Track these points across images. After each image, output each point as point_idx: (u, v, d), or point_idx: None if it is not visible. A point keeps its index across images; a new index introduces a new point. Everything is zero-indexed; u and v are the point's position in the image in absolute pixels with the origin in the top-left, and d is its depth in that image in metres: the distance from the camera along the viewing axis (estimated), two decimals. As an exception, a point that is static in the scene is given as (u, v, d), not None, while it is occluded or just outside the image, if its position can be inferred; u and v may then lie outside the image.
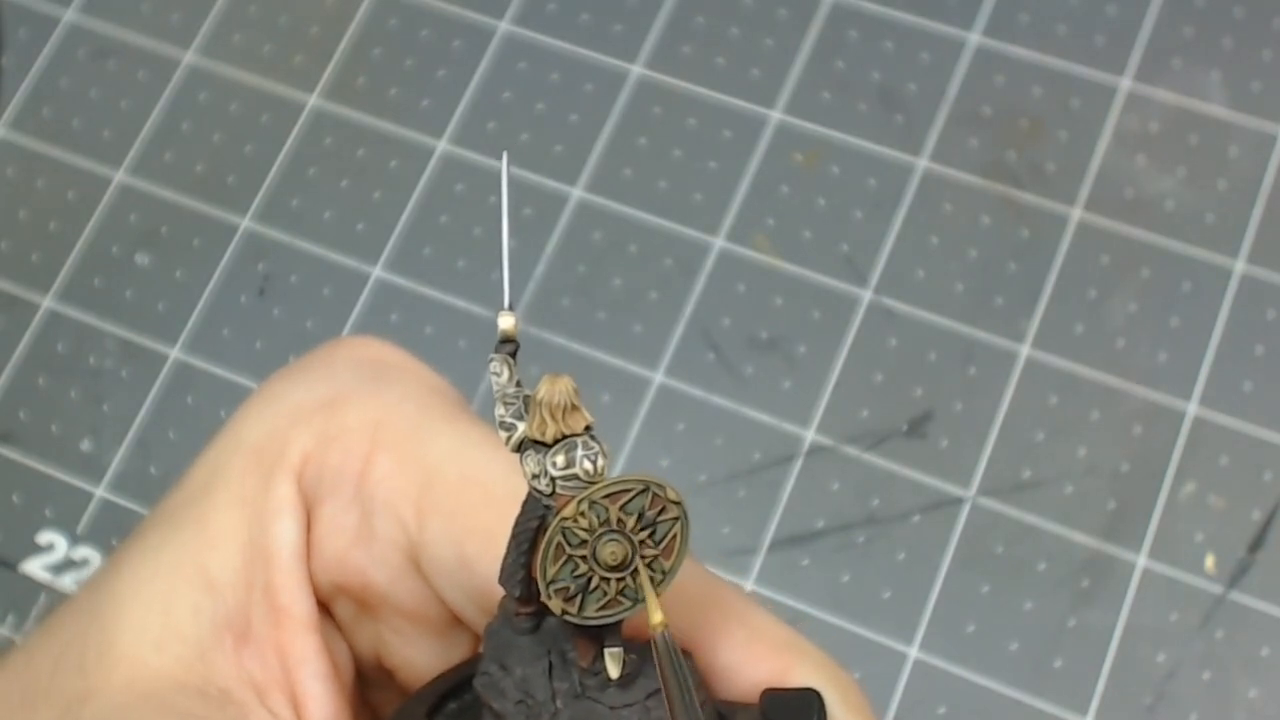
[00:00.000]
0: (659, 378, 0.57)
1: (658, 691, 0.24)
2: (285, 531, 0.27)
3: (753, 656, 0.26)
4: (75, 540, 0.57)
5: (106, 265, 0.62)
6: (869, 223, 0.59)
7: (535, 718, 0.24)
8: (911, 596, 0.54)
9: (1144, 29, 0.61)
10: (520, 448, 0.23)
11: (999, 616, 0.53)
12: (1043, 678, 0.52)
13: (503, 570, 0.24)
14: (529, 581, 0.24)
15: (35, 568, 0.57)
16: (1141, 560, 0.54)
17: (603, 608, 0.23)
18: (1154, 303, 0.57)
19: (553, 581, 0.23)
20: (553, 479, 0.23)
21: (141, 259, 0.62)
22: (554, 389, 0.23)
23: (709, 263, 0.59)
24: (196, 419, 0.59)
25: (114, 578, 0.27)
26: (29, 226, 0.63)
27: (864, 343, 0.57)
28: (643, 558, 0.23)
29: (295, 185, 0.62)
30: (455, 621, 0.28)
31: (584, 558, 0.23)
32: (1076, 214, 0.58)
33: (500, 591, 0.25)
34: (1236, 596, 0.53)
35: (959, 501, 0.55)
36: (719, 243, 0.59)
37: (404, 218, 0.61)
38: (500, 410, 0.24)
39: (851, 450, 0.56)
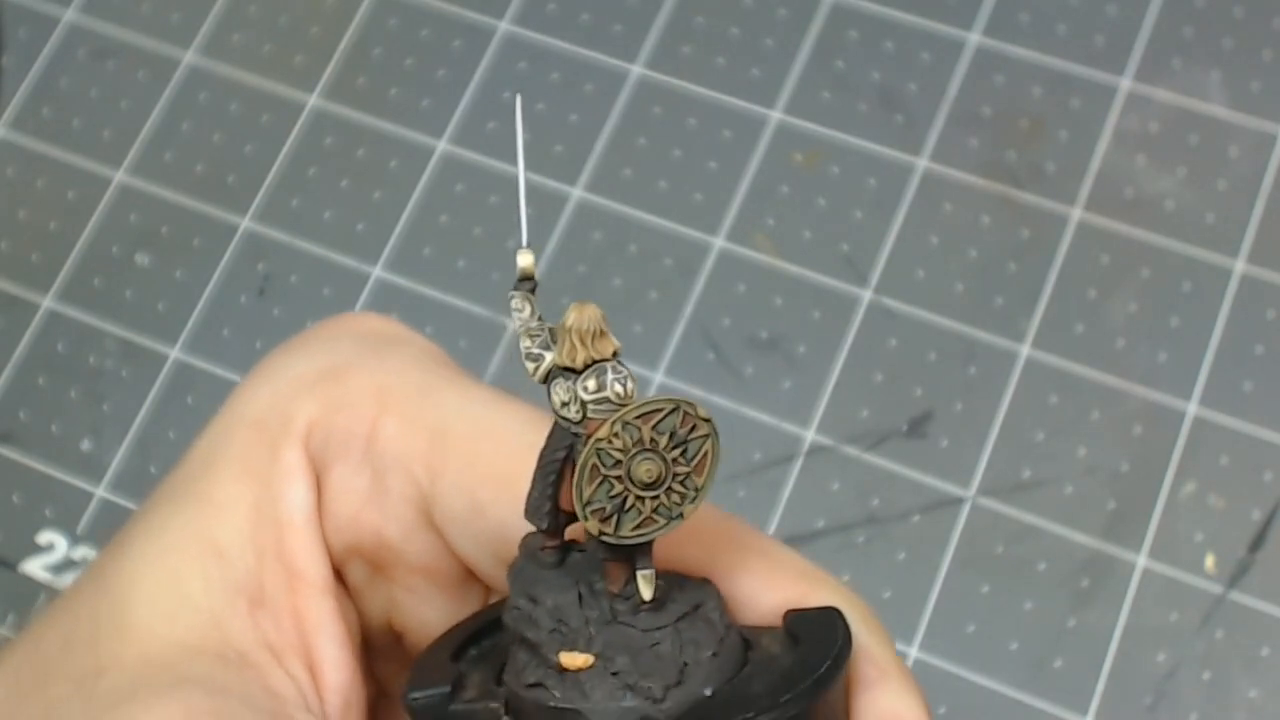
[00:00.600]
0: (659, 378, 0.57)
1: (689, 614, 0.25)
2: (296, 496, 0.27)
3: (772, 584, 0.26)
4: (75, 540, 0.57)
5: (106, 265, 0.62)
6: (869, 223, 0.59)
7: (570, 644, 0.24)
8: (911, 596, 0.54)
9: (1144, 29, 0.61)
10: (548, 377, 0.24)
11: (999, 616, 0.53)
12: (1043, 678, 0.52)
13: (528, 504, 0.25)
14: (556, 513, 0.25)
15: (35, 568, 0.57)
16: (1141, 560, 0.54)
17: (638, 526, 0.23)
18: (1154, 303, 0.57)
19: (589, 503, 0.23)
20: (583, 404, 0.23)
21: (141, 259, 0.62)
22: (583, 315, 0.23)
23: (709, 263, 0.59)
24: (196, 419, 0.59)
25: (120, 556, 0.27)
26: (29, 226, 0.63)
27: (864, 343, 0.57)
28: (675, 475, 0.23)
29: (295, 185, 0.62)
30: (467, 576, 0.28)
31: (619, 478, 0.23)
32: (1076, 214, 0.58)
33: (517, 535, 0.26)
34: (1236, 596, 0.53)
35: (959, 501, 0.55)
36: (719, 243, 0.59)
37: (404, 218, 0.61)
38: (526, 343, 0.24)
39: (851, 450, 0.56)
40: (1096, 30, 0.61)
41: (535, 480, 0.25)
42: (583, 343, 0.23)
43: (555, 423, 0.24)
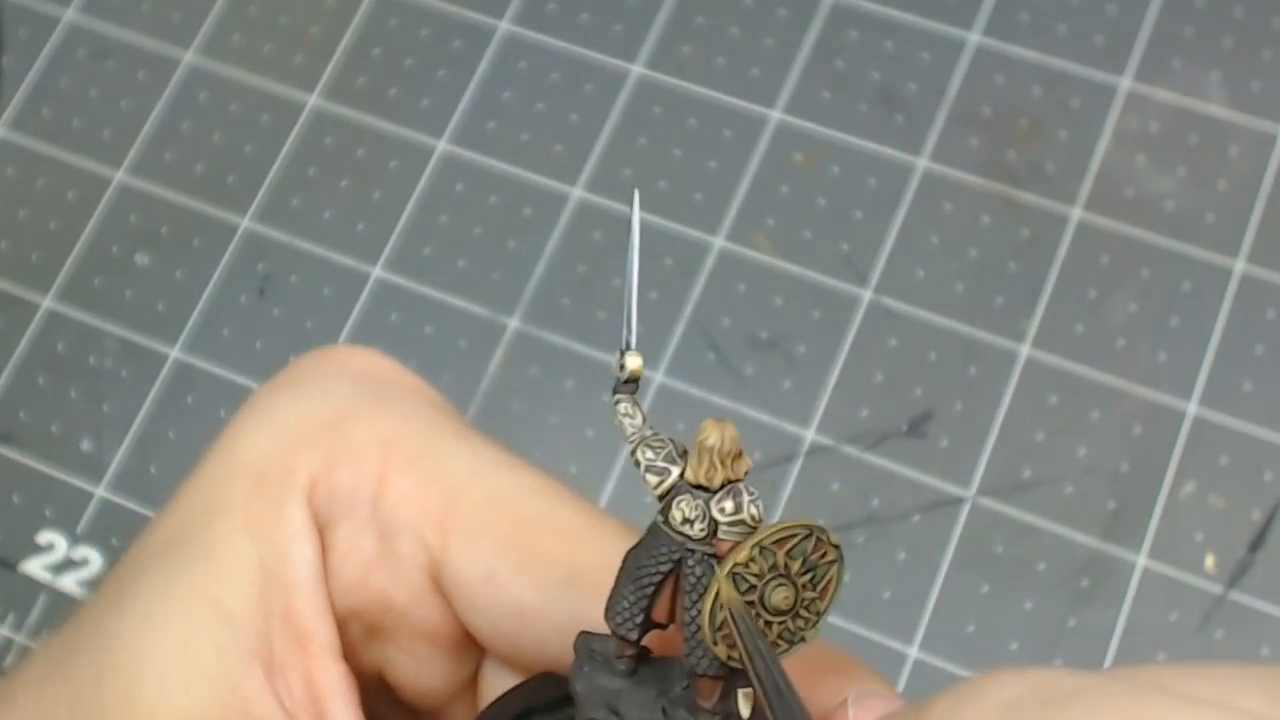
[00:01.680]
0: (659, 377, 0.57)
1: None
2: (303, 556, 0.26)
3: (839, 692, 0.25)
4: (75, 540, 0.57)
5: (106, 265, 0.62)
6: (869, 223, 0.59)
7: None
8: (911, 596, 0.54)
9: (1144, 29, 0.61)
10: (669, 492, 0.23)
11: (999, 616, 0.53)
12: (1043, 678, 0.52)
13: (614, 611, 0.24)
14: (647, 624, 0.24)
15: (35, 568, 0.57)
16: (1141, 560, 0.54)
17: None
18: (1154, 303, 0.57)
19: (720, 628, 0.23)
20: (715, 523, 0.23)
21: (141, 259, 0.62)
22: (724, 435, 0.23)
23: (709, 263, 0.59)
24: (196, 419, 0.59)
25: (121, 614, 0.26)
26: (29, 226, 0.63)
27: (864, 343, 0.57)
28: (802, 600, 0.23)
29: (295, 185, 0.62)
30: (467, 639, 0.28)
31: (751, 603, 0.23)
32: (1076, 214, 0.58)
33: (532, 610, 0.25)
34: (1236, 596, 0.53)
35: (959, 501, 0.55)
36: (719, 242, 0.59)
37: (404, 218, 0.61)
38: (649, 454, 0.24)
39: (851, 450, 0.56)
40: (1096, 30, 0.61)
41: (625, 589, 0.24)
42: (723, 464, 0.23)
43: (654, 531, 0.24)
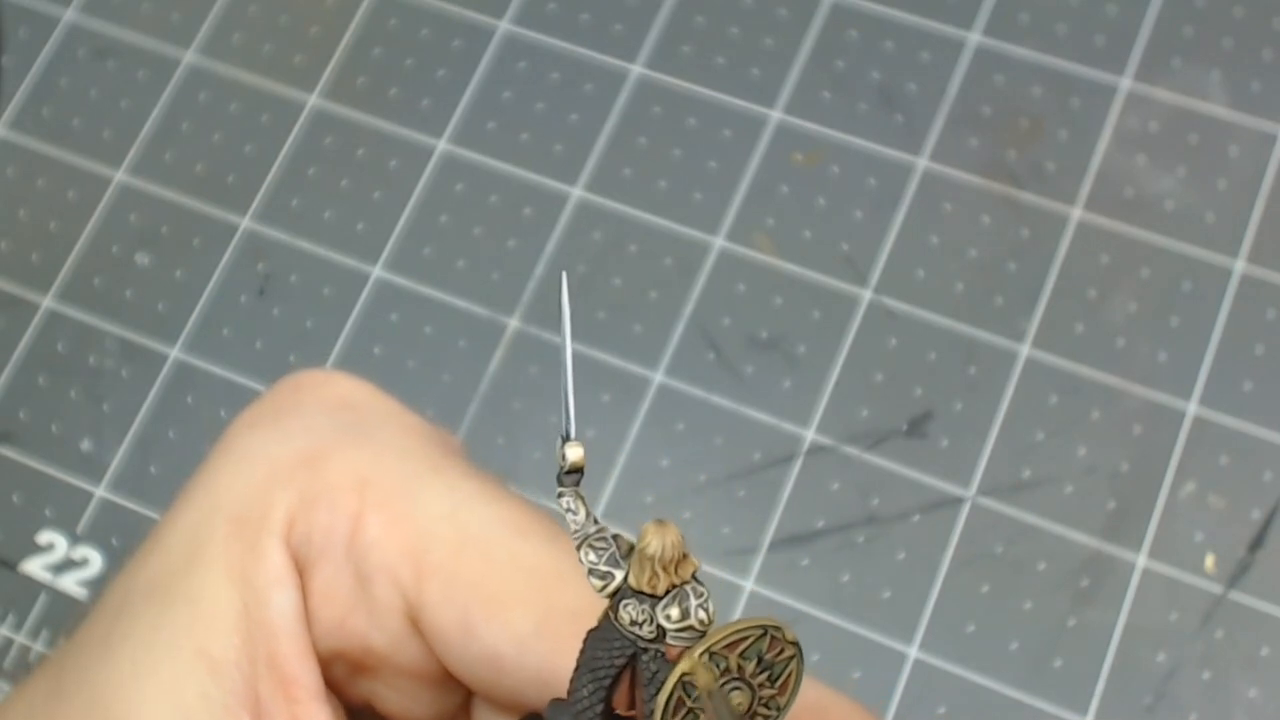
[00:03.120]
0: (659, 378, 0.57)
1: None
2: (284, 602, 0.26)
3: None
4: (75, 540, 0.57)
5: (106, 265, 0.62)
6: (869, 223, 0.59)
7: None
8: (911, 596, 0.54)
9: (1144, 29, 0.61)
10: (616, 594, 0.23)
11: (999, 616, 0.53)
12: (1043, 678, 0.52)
13: (576, 700, 0.24)
14: (609, 714, 0.24)
15: (35, 568, 0.57)
16: (1141, 560, 0.54)
17: None
18: (1154, 303, 0.57)
19: None
20: (662, 630, 0.23)
21: (141, 259, 0.62)
22: (665, 542, 0.22)
23: (709, 263, 0.59)
24: (196, 419, 0.59)
25: (108, 663, 0.26)
26: (29, 226, 0.63)
27: (864, 343, 0.57)
28: (759, 699, 0.23)
29: (295, 185, 0.62)
30: (451, 675, 0.28)
31: (703, 709, 0.22)
32: (1076, 214, 0.58)
33: (508, 658, 0.25)
34: (1236, 596, 0.53)
35: (959, 501, 0.55)
36: (719, 242, 0.59)
37: (404, 218, 0.61)
38: (591, 557, 0.23)
39: (851, 450, 0.56)
40: (1096, 30, 0.61)
41: (584, 679, 0.24)
42: (665, 570, 0.22)
43: (606, 621, 0.23)
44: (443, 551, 0.27)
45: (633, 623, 0.23)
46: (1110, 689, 0.52)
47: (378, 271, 0.60)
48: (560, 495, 0.24)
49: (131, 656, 0.26)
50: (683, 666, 0.22)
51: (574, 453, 0.24)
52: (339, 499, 0.27)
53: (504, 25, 0.64)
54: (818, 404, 0.57)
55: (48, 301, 0.61)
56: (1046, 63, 0.61)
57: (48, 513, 0.58)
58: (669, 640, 0.23)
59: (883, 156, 0.60)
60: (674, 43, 0.62)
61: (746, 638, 0.22)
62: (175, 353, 0.60)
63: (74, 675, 0.27)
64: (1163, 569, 0.53)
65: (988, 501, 0.55)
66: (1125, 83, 0.60)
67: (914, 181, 0.59)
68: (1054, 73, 0.60)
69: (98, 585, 0.57)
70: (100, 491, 0.58)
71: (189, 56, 0.65)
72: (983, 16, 0.61)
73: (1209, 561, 0.53)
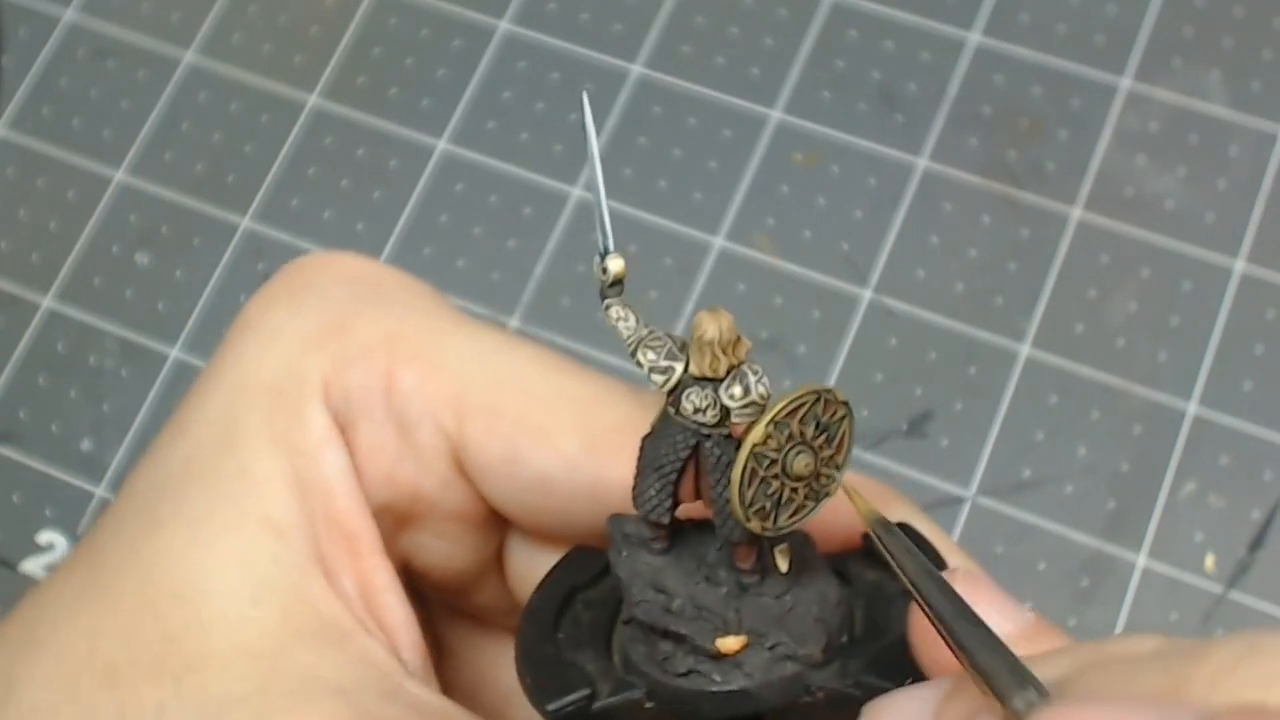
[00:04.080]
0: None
1: (805, 570, 0.25)
2: (335, 460, 0.27)
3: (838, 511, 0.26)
4: (75, 540, 0.57)
5: (106, 265, 0.62)
6: (869, 223, 0.59)
7: (719, 627, 0.25)
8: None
9: (1144, 29, 0.61)
10: (676, 387, 0.24)
11: (999, 616, 0.53)
12: (1043, 678, 0.52)
13: (644, 501, 0.25)
14: (675, 507, 0.25)
15: (35, 568, 0.57)
16: (1141, 560, 0.54)
17: (793, 515, 0.24)
18: (1154, 303, 0.57)
19: (751, 504, 0.23)
20: (726, 409, 0.24)
21: (141, 259, 0.62)
22: (721, 325, 0.23)
23: (709, 262, 0.59)
24: (196, 419, 0.59)
25: (159, 538, 0.26)
26: (29, 226, 0.63)
27: (864, 343, 0.57)
28: (821, 459, 0.24)
29: (295, 185, 0.62)
30: (493, 515, 0.28)
31: (775, 475, 0.23)
32: (1076, 213, 0.58)
33: (556, 484, 0.26)
34: (1236, 596, 0.53)
35: (959, 501, 0.55)
36: (719, 242, 0.59)
37: (404, 218, 0.61)
38: (650, 356, 0.24)
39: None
40: (1096, 30, 0.61)
41: (649, 478, 0.25)
42: (724, 352, 0.24)
43: (667, 419, 0.24)
44: (481, 391, 0.27)
45: (696, 410, 0.24)
46: (1110, 689, 0.52)
47: (378, 271, 0.60)
48: (608, 307, 0.25)
49: (190, 531, 0.26)
50: (753, 437, 0.23)
51: (615, 264, 0.25)
52: (371, 358, 0.27)
53: (504, 25, 0.64)
54: (818, 404, 0.57)
55: (48, 301, 0.61)
56: (1046, 63, 0.61)
57: (48, 513, 0.58)
58: (734, 419, 0.24)
59: (883, 156, 0.60)
60: (674, 43, 0.62)
61: (804, 403, 0.23)
62: (175, 353, 0.60)
63: (117, 558, 0.26)
64: (1163, 569, 0.53)
65: (988, 501, 0.55)
66: (1125, 83, 0.60)
67: (914, 181, 0.59)
68: (1054, 73, 0.60)
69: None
70: (100, 491, 0.58)
71: (189, 56, 0.65)
72: (983, 16, 0.61)
73: (1209, 561, 0.53)
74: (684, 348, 0.24)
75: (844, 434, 0.24)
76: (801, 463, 0.23)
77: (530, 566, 0.29)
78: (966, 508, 0.55)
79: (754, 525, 0.24)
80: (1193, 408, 0.55)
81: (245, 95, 0.64)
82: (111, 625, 0.25)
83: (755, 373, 0.24)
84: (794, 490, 0.24)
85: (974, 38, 0.61)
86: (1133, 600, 0.53)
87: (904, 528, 0.26)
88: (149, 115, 0.64)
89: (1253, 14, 0.60)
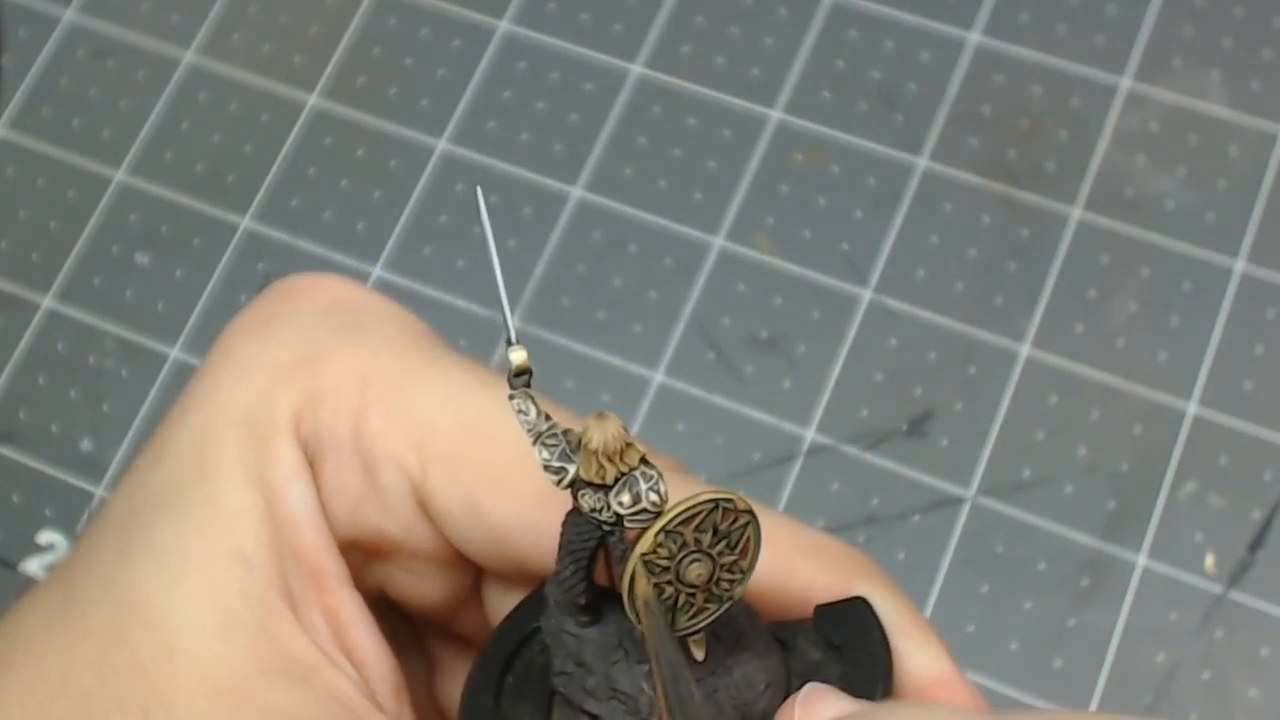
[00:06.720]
0: (659, 377, 0.57)
1: (733, 649, 0.25)
2: (303, 494, 0.27)
3: (790, 569, 0.26)
4: (75, 540, 0.57)
5: (106, 265, 0.62)
6: (869, 222, 0.59)
7: (630, 712, 0.24)
8: (912, 596, 0.54)
9: (1144, 29, 0.61)
10: (573, 485, 0.23)
11: (999, 616, 0.53)
12: (1043, 678, 0.52)
13: (560, 584, 0.25)
14: (591, 589, 0.25)
15: (35, 568, 0.57)
16: (1141, 560, 0.54)
17: (693, 617, 0.23)
18: (1154, 303, 0.57)
19: (638, 613, 0.23)
20: (620, 516, 0.23)
21: (141, 259, 0.62)
22: (606, 434, 0.23)
23: (709, 262, 0.59)
24: (196, 419, 0.59)
25: (130, 568, 0.26)
26: (29, 226, 0.63)
27: (864, 342, 0.57)
28: (721, 565, 0.23)
29: (295, 185, 0.62)
30: (462, 554, 0.28)
31: (669, 582, 0.23)
32: (1076, 213, 0.58)
33: (516, 535, 0.26)
34: (1236, 596, 0.53)
35: (959, 501, 0.55)
36: (719, 242, 0.59)
37: (404, 218, 0.61)
38: (544, 454, 0.24)
39: (851, 450, 0.56)
40: (1096, 30, 0.61)
41: (564, 564, 0.25)
42: (610, 461, 0.23)
43: (575, 509, 0.24)
44: (445, 439, 0.27)
45: (592, 510, 0.23)
46: (1110, 689, 0.52)
47: (378, 271, 0.60)
48: (511, 398, 0.24)
49: (159, 561, 0.26)
50: (641, 547, 0.23)
51: (517, 356, 0.24)
52: (341, 396, 0.27)
53: (504, 25, 0.64)
54: (818, 404, 0.57)
55: (48, 301, 0.61)
56: (1046, 63, 0.61)
57: (48, 513, 0.58)
58: (626, 524, 0.23)
59: (883, 156, 0.60)
60: (674, 43, 0.62)
61: (699, 512, 0.23)
62: (175, 353, 0.60)
63: (90, 584, 0.27)
64: (1163, 569, 0.53)
65: (988, 501, 0.55)
66: (1125, 83, 0.60)
67: (914, 181, 0.59)
68: (1054, 73, 0.60)
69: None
70: (100, 491, 0.58)
71: (189, 56, 0.65)
72: (983, 16, 0.61)
73: (1209, 561, 0.53)
74: (579, 448, 0.24)
75: (747, 539, 0.23)
76: (695, 572, 0.23)
77: (504, 604, 0.29)
78: (966, 508, 0.55)
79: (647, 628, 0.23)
80: (1193, 408, 0.55)
81: (245, 95, 0.64)
82: (83, 653, 0.26)
83: (648, 478, 0.23)
84: (691, 595, 0.23)
85: (974, 38, 0.61)
86: (1133, 600, 0.53)
87: (860, 603, 0.25)
88: (149, 115, 0.64)
89: (1253, 14, 0.60)
